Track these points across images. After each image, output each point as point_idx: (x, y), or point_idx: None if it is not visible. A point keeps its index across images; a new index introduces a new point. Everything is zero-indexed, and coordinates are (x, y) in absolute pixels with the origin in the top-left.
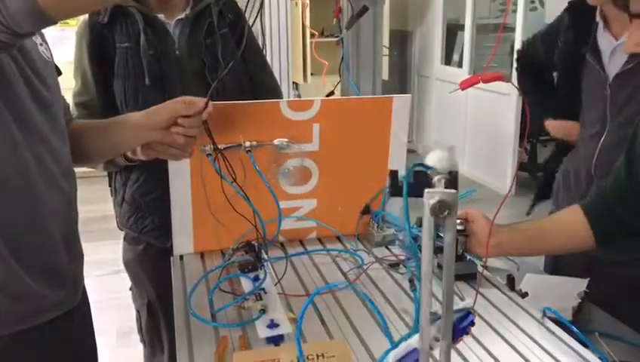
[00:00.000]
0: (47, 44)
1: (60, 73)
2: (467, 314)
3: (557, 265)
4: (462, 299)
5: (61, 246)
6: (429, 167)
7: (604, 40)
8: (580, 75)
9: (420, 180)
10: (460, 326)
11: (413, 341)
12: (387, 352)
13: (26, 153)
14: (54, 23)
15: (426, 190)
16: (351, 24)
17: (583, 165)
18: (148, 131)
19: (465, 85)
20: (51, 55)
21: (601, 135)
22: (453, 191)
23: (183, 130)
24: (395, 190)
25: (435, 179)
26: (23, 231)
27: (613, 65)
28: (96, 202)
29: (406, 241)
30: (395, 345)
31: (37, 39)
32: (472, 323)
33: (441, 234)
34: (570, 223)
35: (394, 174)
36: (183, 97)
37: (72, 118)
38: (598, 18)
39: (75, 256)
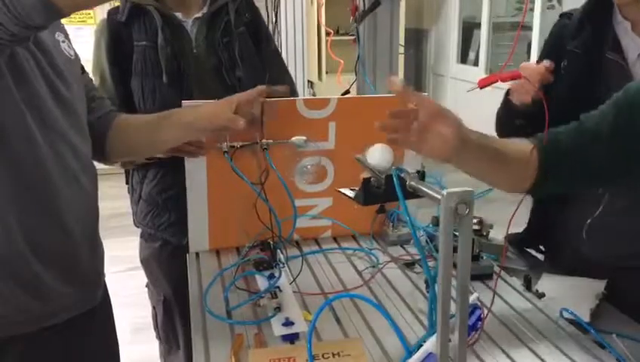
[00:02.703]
0: (69, 41)
1: (84, 72)
2: (474, 309)
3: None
4: (470, 292)
5: (82, 244)
6: (403, 170)
7: (629, 40)
8: (598, 79)
9: (389, 185)
10: (469, 322)
11: (429, 346)
12: (405, 359)
13: (44, 149)
14: (64, 15)
15: (445, 191)
16: (362, 18)
17: None
18: (196, 132)
19: (483, 83)
20: (75, 53)
21: None
22: (469, 189)
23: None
24: (368, 199)
25: (411, 180)
26: (43, 229)
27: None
28: (113, 199)
29: (421, 241)
30: (409, 352)
31: (59, 36)
32: (480, 319)
33: (456, 233)
34: (521, 147)
35: (367, 182)
36: (233, 98)
37: (113, 111)
38: (620, 18)
39: (96, 254)
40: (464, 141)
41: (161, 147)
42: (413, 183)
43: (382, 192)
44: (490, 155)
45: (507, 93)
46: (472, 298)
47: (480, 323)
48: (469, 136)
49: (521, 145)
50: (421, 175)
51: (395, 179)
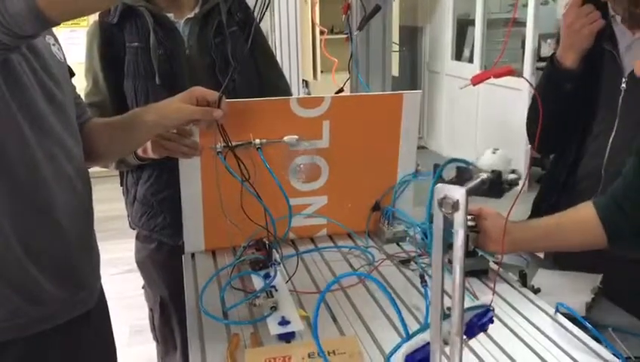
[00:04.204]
0: (59, 45)
1: (72, 74)
2: (487, 311)
3: (560, 259)
4: (472, 295)
5: (77, 246)
6: (469, 163)
7: (620, 32)
8: (597, 69)
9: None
10: (479, 322)
11: (427, 335)
12: (399, 344)
13: (38, 153)
14: (55, 24)
15: (436, 186)
16: (363, 24)
17: (592, 168)
18: (162, 129)
19: (476, 80)
20: (64, 56)
21: (609, 133)
22: (462, 187)
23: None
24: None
25: (476, 176)
26: (38, 233)
27: (629, 60)
28: (108, 201)
29: (417, 238)
30: (407, 338)
31: (50, 39)
32: (492, 321)
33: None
34: (582, 220)
35: (497, 175)
36: (194, 90)
37: (90, 118)
38: (612, 11)
39: (91, 257)
40: (515, 244)
41: (132, 148)
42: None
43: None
44: (540, 243)
45: (552, 58)
46: (481, 300)
47: (489, 325)
48: (521, 240)
49: (583, 215)
50: (496, 175)
51: (438, 171)
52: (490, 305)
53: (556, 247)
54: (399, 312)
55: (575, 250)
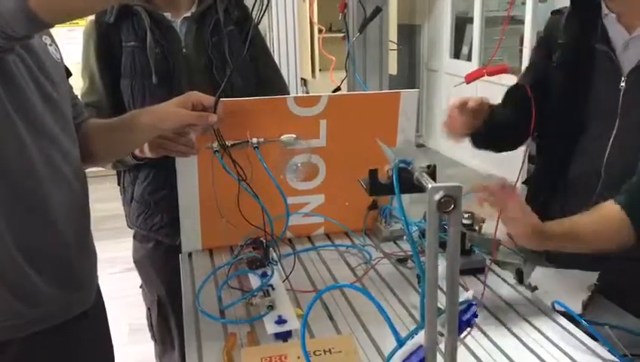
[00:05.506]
0: (56, 44)
1: (70, 75)
2: (469, 305)
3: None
4: (465, 290)
5: (74, 247)
6: (409, 163)
7: (616, 31)
8: (589, 70)
9: (400, 176)
10: (463, 318)
11: (419, 339)
12: (393, 352)
13: (34, 154)
14: (49, 26)
15: (430, 185)
16: (364, 26)
17: (590, 168)
18: (158, 132)
19: (470, 78)
20: (61, 56)
21: (609, 133)
22: (457, 184)
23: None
24: (375, 189)
25: (417, 173)
26: (35, 234)
27: (627, 59)
28: (105, 201)
29: (414, 236)
30: (400, 344)
31: (46, 40)
32: (476, 315)
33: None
34: (607, 220)
35: (373, 173)
36: (190, 94)
37: (87, 118)
38: (605, 10)
39: (88, 257)
40: (544, 238)
41: (128, 149)
42: (417, 176)
43: (389, 185)
44: (577, 246)
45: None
46: (467, 295)
47: (474, 320)
48: (551, 233)
49: (606, 215)
50: (432, 169)
51: (394, 171)
52: (474, 299)
53: (584, 248)
54: (389, 322)
55: (600, 251)
